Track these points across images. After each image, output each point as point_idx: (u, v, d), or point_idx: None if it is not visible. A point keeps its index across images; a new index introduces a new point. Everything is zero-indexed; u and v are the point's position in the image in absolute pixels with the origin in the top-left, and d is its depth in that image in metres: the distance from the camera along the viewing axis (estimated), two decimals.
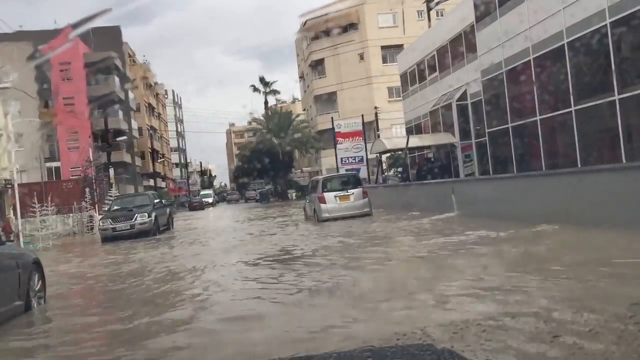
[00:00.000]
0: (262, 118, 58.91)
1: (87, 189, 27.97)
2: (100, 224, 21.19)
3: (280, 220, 23.66)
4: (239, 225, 23.07)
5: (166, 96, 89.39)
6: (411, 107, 34.90)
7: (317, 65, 56.40)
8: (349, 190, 19.38)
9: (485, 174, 25.60)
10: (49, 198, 24.25)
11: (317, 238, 14.21)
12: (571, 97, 16.78)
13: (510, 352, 3.73)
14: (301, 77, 64.14)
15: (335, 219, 18.96)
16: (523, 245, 9.52)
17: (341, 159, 34.07)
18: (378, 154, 31.00)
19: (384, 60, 53.42)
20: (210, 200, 65.20)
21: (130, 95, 62.59)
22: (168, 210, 24.10)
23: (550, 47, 17.73)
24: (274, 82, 65.69)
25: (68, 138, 53.08)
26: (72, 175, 44.92)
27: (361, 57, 53.82)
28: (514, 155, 20.72)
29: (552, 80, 17.89)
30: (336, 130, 34.25)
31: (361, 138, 34.15)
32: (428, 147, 29.75)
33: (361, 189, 19.64)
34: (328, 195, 19.30)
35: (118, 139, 48.99)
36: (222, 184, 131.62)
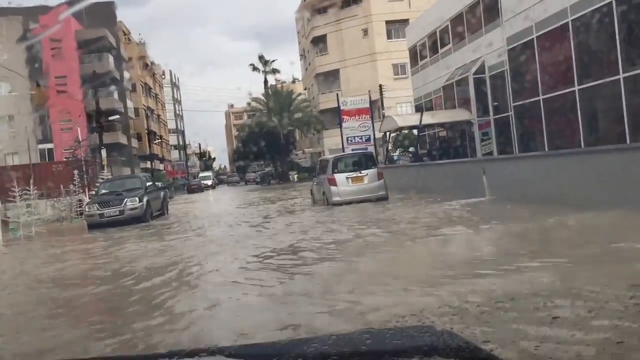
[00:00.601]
0: (262, 97, 56.45)
1: (75, 172, 25.73)
2: (86, 209, 19.03)
3: (285, 204, 21.51)
4: (239, 211, 20.90)
5: (163, 77, 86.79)
6: (421, 83, 32.59)
7: (319, 42, 53.87)
8: (362, 171, 17.21)
9: (505, 153, 23.45)
10: (31, 181, 21.98)
11: (329, 230, 11.77)
12: (619, 63, 14.54)
13: None
14: (302, 55, 61.58)
15: (348, 202, 16.85)
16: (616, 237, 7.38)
17: (347, 138, 31.79)
18: (387, 133, 28.76)
19: (389, 36, 50.98)
20: (209, 182, 63.11)
21: (126, 75, 60.10)
22: (162, 193, 21.95)
23: (592, 7, 15.45)
24: (273, 60, 63.09)
25: (61, 119, 50.75)
26: (65, 157, 42.82)
27: (365, 32, 51.31)
28: (546, 131, 18.51)
29: (596, 44, 15.62)
30: (342, 107, 31.92)
31: (368, 116, 31.84)
32: (441, 125, 27.51)
33: (376, 169, 17.47)
34: (339, 177, 17.14)
35: (111, 118, 46.51)
36: (222, 166, 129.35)
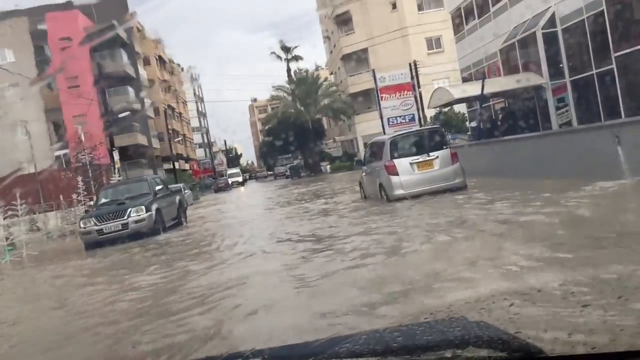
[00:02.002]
0: (286, 85, 52.13)
1: (80, 178, 21.83)
2: (81, 225, 14.96)
3: (326, 202, 17.20)
4: (273, 217, 16.58)
5: (182, 72, 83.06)
6: (468, 50, 27.91)
7: (344, 21, 49.26)
8: (430, 154, 12.81)
9: (588, 121, 18.80)
10: (40, 192, 18.09)
11: (423, 260, 7.03)
12: None
13: None
14: (326, 37, 56.98)
15: (415, 196, 12.53)
16: None
17: (388, 119, 27.44)
18: (439, 108, 24.26)
19: (420, 8, 46.27)
20: (239, 179, 58.57)
21: (142, 72, 56.35)
22: (178, 198, 17.85)
23: None
24: (295, 46, 58.46)
25: (75, 122, 47.17)
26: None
27: (393, 6, 46.59)
28: None
29: None
30: (379, 84, 27.54)
31: (411, 92, 27.44)
32: (498, 95, 22.81)
33: (448, 150, 13.03)
34: (401, 163, 12.78)
35: (121, 115, 42.63)
36: (249, 162, 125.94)
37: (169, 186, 27.58)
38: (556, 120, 20.63)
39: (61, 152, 39.71)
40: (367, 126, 47.85)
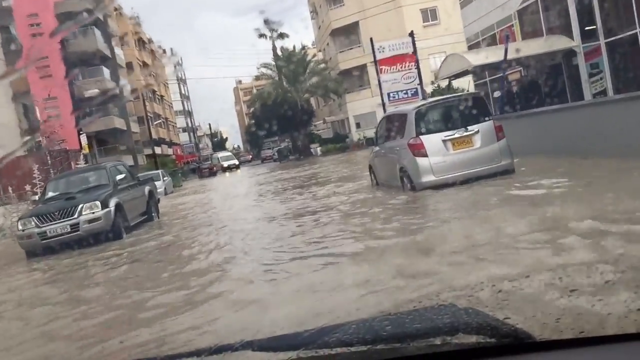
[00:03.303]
0: (272, 63, 48.57)
1: (35, 167, 18.42)
2: (19, 226, 11.62)
3: (329, 191, 13.95)
4: (264, 209, 13.28)
5: (164, 55, 78.98)
6: (476, 16, 24.67)
7: None
8: (469, 128, 9.65)
9: (630, 89, 15.71)
10: None
11: None
12: None
13: None
14: (313, 11, 53.31)
15: (449, 183, 9.43)
16: None
17: (388, 94, 24.23)
18: (451, 79, 21.07)
19: None
20: (235, 162, 53.25)
21: (119, 52, 52.42)
22: (147, 189, 14.53)
23: None
24: (281, 24, 54.74)
25: (46, 106, 43.38)
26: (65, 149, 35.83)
27: None
28: None
29: None
30: (378, 55, 24.26)
31: (413, 64, 24.18)
32: (523, 61, 19.58)
33: (492, 122, 9.86)
34: (430, 140, 9.62)
35: (90, 95, 38.82)
36: (235, 146, 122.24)
37: (141, 174, 24.37)
38: (589, 90, 17.56)
39: (27, 138, 35.97)
40: (359, 105, 44.66)
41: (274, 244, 7.94)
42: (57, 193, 12.59)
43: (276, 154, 52.85)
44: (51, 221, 11.42)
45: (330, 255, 6.36)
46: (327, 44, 48.85)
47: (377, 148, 11.91)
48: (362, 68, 44.20)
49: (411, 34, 24.63)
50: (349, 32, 44.66)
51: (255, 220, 11.26)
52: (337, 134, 49.04)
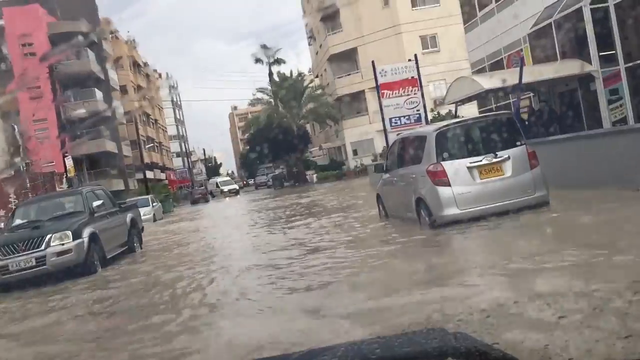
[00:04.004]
0: (268, 87, 47.41)
1: (11, 191, 16.90)
2: None
3: (329, 225, 12.46)
4: (261, 244, 11.72)
5: (159, 78, 77.98)
6: (483, 40, 23.54)
7: (331, 18, 44.81)
8: (498, 153, 8.27)
9: None
10: None
11: None
12: None
13: None
14: (310, 37, 52.39)
15: (475, 217, 8.03)
16: None
17: (390, 119, 22.82)
18: (457, 104, 19.81)
19: (414, 4, 42.04)
20: (235, 187, 51.44)
21: (112, 74, 51.29)
22: (129, 217, 13.02)
23: None
24: (278, 49, 53.60)
25: (36, 128, 41.94)
26: (50, 172, 34.33)
27: (385, 2, 42.32)
28: None
29: None
30: (380, 79, 22.97)
31: (417, 89, 22.90)
32: (536, 85, 18.31)
33: (524, 148, 8.48)
34: (454, 167, 8.22)
35: (77, 116, 37.37)
36: (230, 172, 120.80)
37: (129, 199, 22.85)
38: (608, 117, 16.28)
39: (11, 160, 34.40)
40: (356, 132, 43.46)
41: (266, 299, 6.43)
42: (25, 220, 11.06)
43: (271, 180, 51.43)
44: (14, 253, 9.87)
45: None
46: (325, 69, 47.85)
47: (387, 175, 10.48)
48: (360, 94, 43.13)
49: (415, 58, 23.43)
50: (347, 58, 43.67)
51: (246, 258, 9.79)
52: (333, 161, 47.74)
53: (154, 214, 27.07)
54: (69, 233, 10.06)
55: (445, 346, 1.30)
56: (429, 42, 41.37)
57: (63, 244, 9.96)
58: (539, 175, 8.39)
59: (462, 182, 8.21)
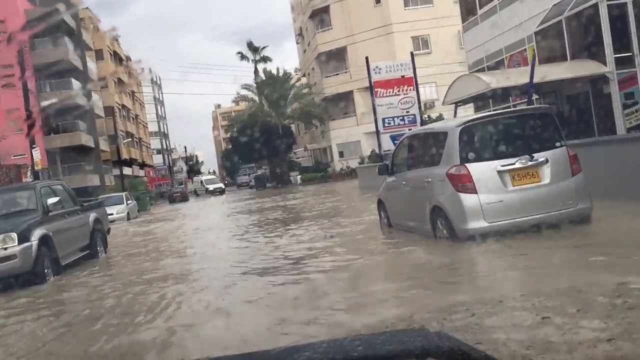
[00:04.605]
0: (254, 84, 45.72)
1: None
2: None
3: (318, 237, 10.90)
4: (242, 259, 10.10)
5: (141, 73, 75.79)
6: (482, 39, 22.24)
7: (320, 15, 43.34)
8: (534, 156, 6.82)
9: None
10: None
11: None
12: None
13: None
14: (298, 34, 50.81)
15: (506, 230, 6.56)
16: None
17: (383, 119, 21.45)
18: (457, 104, 18.41)
19: (406, 4, 40.75)
20: (220, 186, 48.62)
21: (92, 66, 49.22)
22: (92, 217, 11.34)
23: None
24: (264, 47, 51.45)
25: (10, 118, 39.76)
26: (17, 164, 32.41)
27: (377, 0, 40.97)
28: None
29: None
30: (374, 76, 21.54)
31: (412, 88, 21.51)
32: (546, 86, 16.95)
33: (564, 149, 7.04)
34: (481, 171, 6.74)
35: (45, 103, 35.33)
36: (211, 170, 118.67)
37: (101, 197, 21.14)
38: (622, 123, 14.99)
39: None
40: (343, 133, 42.02)
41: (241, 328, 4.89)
42: None
43: (253, 180, 49.77)
44: None
45: None
46: (312, 68, 46.35)
47: (392, 178, 8.97)
48: (348, 95, 41.69)
49: (411, 55, 22.03)
50: (336, 57, 42.20)
51: (219, 271, 8.22)
52: (318, 163, 46.23)
53: (127, 213, 25.27)
54: (14, 235, 8.39)
55: (428, 345, 1.28)
56: (421, 43, 40.07)
57: (6, 248, 8.29)
58: (582, 184, 6.95)
59: (490, 189, 6.73)
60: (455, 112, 18.62)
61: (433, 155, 7.50)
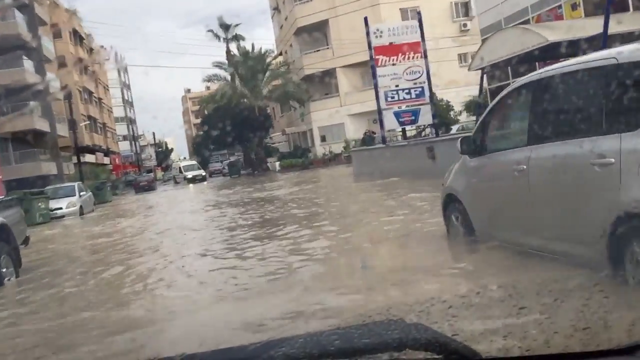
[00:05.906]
0: (226, 62, 41.46)
1: None
2: None
3: (363, 255, 7.17)
4: (218, 282, 6.28)
5: (105, 51, 70.53)
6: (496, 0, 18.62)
7: None
8: None
9: None
10: None
11: None
12: None
13: None
14: (275, 8, 46.49)
15: None
16: None
17: (385, 93, 17.74)
18: (484, 70, 14.70)
19: None
20: (201, 173, 43.22)
21: (47, 42, 44.32)
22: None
23: None
24: (237, 24, 46.64)
25: None
26: None
27: None
28: None
29: None
30: (374, 41, 17.76)
31: (420, 55, 17.83)
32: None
33: None
34: None
35: None
36: (182, 158, 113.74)
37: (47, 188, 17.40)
38: None
39: None
40: (324, 115, 38.17)
41: None
42: None
43: (227, 167, 45.67)
44: None
45: None
46: (290, 45, 42.27)
47: (479, 161, 5.24)
48: (331, 73, 37.82)
49: (419, 15, 18.34)
50: (316, 32, 38.23)
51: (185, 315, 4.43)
52: (297, 148, 42.33)
53: (80, 207, 21.14)
54: None
55: (405, 337, 1.25)
56: (410, 15, 36.26)
57: None
58: None
59: None
60: (482, 82, 14.93)
61: (588, 116, 3.76)
